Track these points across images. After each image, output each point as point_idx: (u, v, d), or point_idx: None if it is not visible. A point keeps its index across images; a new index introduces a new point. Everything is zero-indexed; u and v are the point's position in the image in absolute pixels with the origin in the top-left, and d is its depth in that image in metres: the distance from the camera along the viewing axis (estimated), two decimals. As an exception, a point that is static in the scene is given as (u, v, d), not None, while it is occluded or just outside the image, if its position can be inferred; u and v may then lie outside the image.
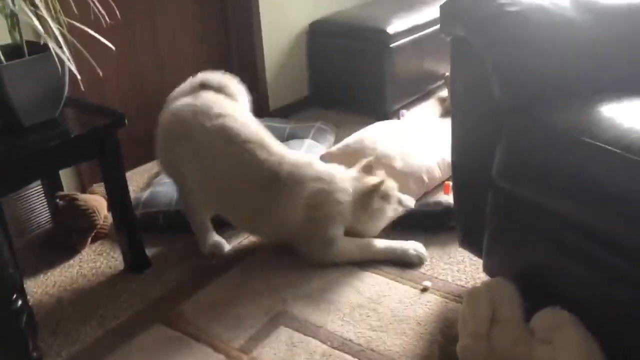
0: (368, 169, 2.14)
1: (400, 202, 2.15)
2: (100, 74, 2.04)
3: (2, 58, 1.71)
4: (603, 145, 1.31)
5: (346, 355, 1.64)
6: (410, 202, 2.19)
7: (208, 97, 2.08)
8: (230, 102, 2.13)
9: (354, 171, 2.12)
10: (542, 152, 1.44)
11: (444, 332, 1.70)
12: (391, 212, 2.12)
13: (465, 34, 1.61)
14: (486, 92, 1.58)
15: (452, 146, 1.81)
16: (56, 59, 1.70)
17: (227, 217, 2.13)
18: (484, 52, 1.56)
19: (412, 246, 2.04)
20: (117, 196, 1.95)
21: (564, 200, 1.41)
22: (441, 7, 1.67)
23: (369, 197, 2.03)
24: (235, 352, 1.66)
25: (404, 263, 2.01)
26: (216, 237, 2.14)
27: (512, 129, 1.51)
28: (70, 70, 1.77)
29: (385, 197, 2.08)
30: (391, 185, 2.13)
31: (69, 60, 1.73)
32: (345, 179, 2.05)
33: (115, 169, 1.90)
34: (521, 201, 1.52)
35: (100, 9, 1.80)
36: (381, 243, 2.05)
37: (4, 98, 1.70)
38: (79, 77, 1.75)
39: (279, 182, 1.95)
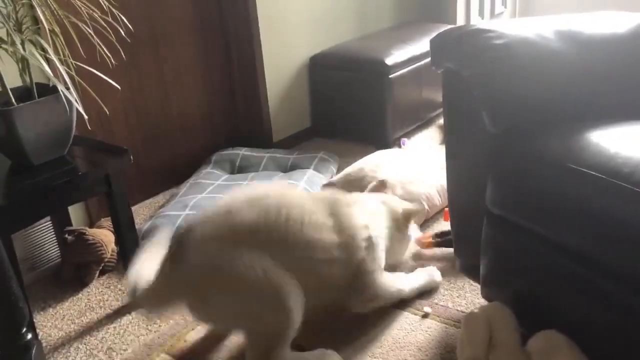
0: (380, 189, 2.14)
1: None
2: (107, 112, 2.13)
3: (14, 100, 1.80)
4: (588, 171, 1.35)
5: (348, 383, 1.67)
6: (416, 233, 2.21)
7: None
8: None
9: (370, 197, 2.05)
10: (531, 179, 1.49)
11: (444, 357, 1.72)
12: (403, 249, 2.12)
13: (454, 66, 1.68)
14: (478, 122, 1.63)
15: (447, 174, 1.86)
16: (64, 100, 1.78)
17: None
18: (472, 84, 1.62)
19: (433, 272, 2.07)
20: (124, 230, 2.00)
21: (554, 226, 1.45)
22: (431, 41, 1.74)
23: (406, 222, 2.02)
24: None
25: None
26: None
27: (501, 157, 1.56)
28: (77, 109, 1.85)
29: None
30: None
31: (76, 101, 1.81)
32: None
33: (121, 204, 1.96)
34: (514, 227, 1.56)
35: (106, 51, 1.88)
36: (411, 278, 2.01)
37: (15, 139, 1.78)
38: (86, 117, 1.82)
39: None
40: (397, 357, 1.75)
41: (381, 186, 2.15)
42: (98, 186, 1.92)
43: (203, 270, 1.58)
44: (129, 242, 2.03)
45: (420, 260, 2.23)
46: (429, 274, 2.06)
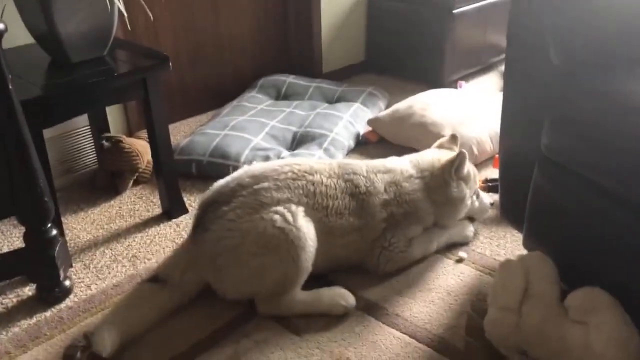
0: (450, 145, 1.92)
1: (477, 196, 1.91)
2: (151, 17, 2.05)
3: (54, -8, 1.74)
4: (665, 115, 1.19)
5: (369, 317, 1.60)
6: (487, 201, 1.95)
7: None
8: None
9: (433, 152, 1.88)
10: (597, 122, 1.33)
11: (474, 304, 1.63)
12: (469, 201, 1.86)
13: (526, -11, 1.50)
14: (543, 56, 1.47)
15: (501, 114, 1.71)
16: (106, -3, 1.71)
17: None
18: (541, 10, 1.45)
19: (465, 228, 1.90)
20: (158, 140, 1.95)
21: (615, 175, 1.30)
22: (501, -40, 1.56)
23: (446, 173, 1.78)
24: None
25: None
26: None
27: (565, 95, 1.40)
28: (121, 12, 1.78)
29: (466, 179, 1.82)
30: (473, 170, 1.87)
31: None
32: (421, 164, 1.81)
33: (157, 112, 1.90)
34: (568, 174, 1.42)
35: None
36: (441, 233, 1.85)
37: (54, 30, 1.72)
38: (125, 14, 1.75)
39: (360, 190, 1.70)
40: (424, 298, 1.66)
41: (452, 142, 1.93)
42: (134, 90, 1.86)
43: (218, 241, 1.54)
44: (163, 154, 1.98)
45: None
46: (461, 228, 1.90)
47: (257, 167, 1.68)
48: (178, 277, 1.58)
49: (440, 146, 1.93)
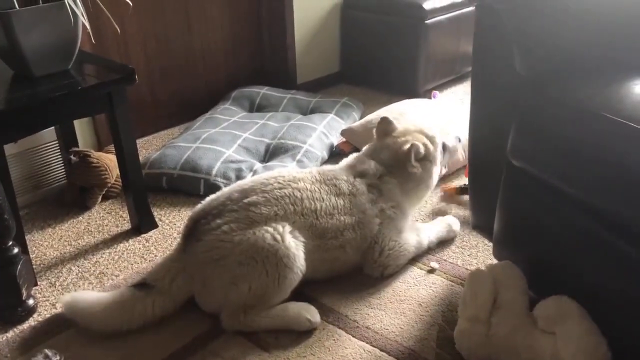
0: (386, 129, 1.89)
1: (444, 148, 1.95)
2: (118, 30, 2.03)
3: (16, 4, 1.70)
4: (625, 122, 1.19)
5: (339, 331, 1.57)
6: (454, 141, 2.02)
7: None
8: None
9: (375, 144, 1.88)
10: (559, 128, 1.33)
11: (445, 315, 1.61)
12: (438, 171, 1.92)
13: (492, 0, 1.51)
14: (507, 63, 1.48)
15: (469, 120, 1.71)
16: (69, 10, 1.68)
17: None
18: (506, 20, 1.45)
19: (451, 221, 1.96)
20: (125, 154, 1.92)
21: (580, 182, 1.30)
22: (466, -30, 1.56)
23: (409, 166, 1.78)
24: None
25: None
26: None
27: (529, 103, 1.40)
28: (90, 25, 1.75)
29: (429, 158, 1.85)
30: (431, 143, 1.87)
31: (82, 14, 1.71)
32: (385, 160, 1.82)
33: (124, 126, 1.87)
34: (534, 182, 1.41)
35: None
36: (429, 228, 1.90)
37: (14, 44, 1.69)
38: (89, 28, 1.73)
39: (344, 192, 1.72)
40: (395, 309, 1.65)
41: (385, 124, 1.90)
42: (100, 104, 1.82)
43: (209, 251, 1.57)
44: (131, 169, 1.95)
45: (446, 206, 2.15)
46: (448, 222, 1.95)
47: (246, 181, 1.73)
48: (167, 284, 1.58)
49: (384, 134, 1.89)
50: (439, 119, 2.51)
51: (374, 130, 1.93)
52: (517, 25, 1.44)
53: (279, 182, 1.67)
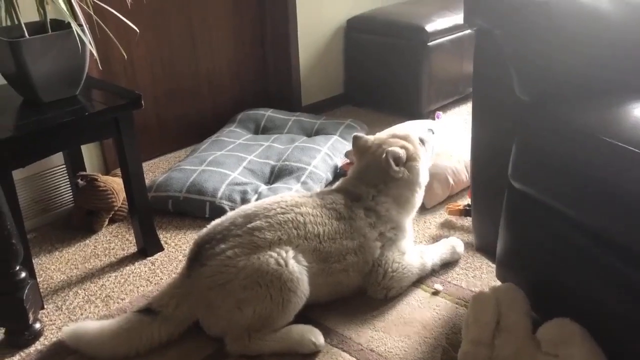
0: (362, 147, 1.89)
1: (422, 142, 1.92)
2: (125, 56, 2.07)
3: (26, 33, 1.75)
4: (622, 145, 1.20)
5: (344, 354, 1.58)
6: (427, 134, 1.98)
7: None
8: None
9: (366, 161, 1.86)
10: (558, 151, 1.34)
11: (449, 338, 1.61)
12: (426, 167, 1.90)
13: (487, 24, 1.54)
14: (506, 86, 1.50)
15: (471, 143, 1.73)
16: (77, 38, 1.72)
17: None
18: (504, 44, 1.47)
19: (455, 243, 1.96)
20: (132, 178, 1.95)
21: (579, 204, 1.31)
22: (464, -5, 1.59)
23: (393, 173, 1.77)
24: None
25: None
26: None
27: (528, 125, 1.42)
28: (97, 52, 1.79)
29: (412, 159, 1.83)
30: (410, 142, 1.86)
31: (90, 42, 1.74)
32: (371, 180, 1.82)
33: (130, 150, 1.90)
34: (535, 204, 1.43)
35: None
36: (433, 250, 1.91)
37: (24, 72, 1.72)
38: (95, 56, 1.76)
39: (344, 216, 1.74)
40: (399, 332, 1.65)
41: (357, 142, 1.90)
42: (107, 129, 1.86)
43: (213, 275, 1.58)
44: (137, 192, 1.97)
45: (449, 229, 2.15)
46: (452, 244, 1.95)
47: (249, 206, 1.74)
48: (172, 309, 1.59)
49: (362, 152, 1.88)
50: (443, 141, 2.53)
51: (351, 153, 1.92)
52: (515, 49, 1.46)
53: (281, 207, 1.69)
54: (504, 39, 1.48)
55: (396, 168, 1.79)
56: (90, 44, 1.77)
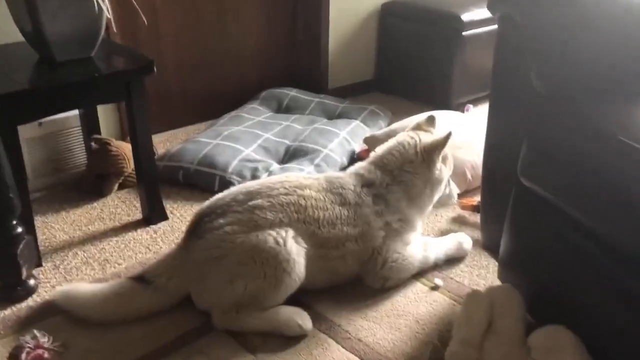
0: (427, 127, 1.85)
1: (449, 182, 1.88)
2: (145, 21, 2.05)
3: (43, -8, 1.74)
4: (637, 145, 1.11)
5: (330, 340, 1.53)
6: (455, 191, 1.94)
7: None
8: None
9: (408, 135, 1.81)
10: (572, 149, 1.27)
11: (441, 335, 1.54)
12: (444, 185, 1.84)
13: (510, 11, 1.45)
14: (525, 79, 1.41)
15: (485, 138, 1.65)
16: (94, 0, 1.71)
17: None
18: (525, 32, 1.39)
19: (463, 239, 1.89)
20: (140, 145, 1.93)
21: (588, 207, 1.23)
22: (489, -22, 1.51)
23: (435, 154, 1.73)
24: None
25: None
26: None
27: (543, 120, 1.34)
28: (122, 18, 1.77)
29: (445, 161, 1.80)
30: (450, 153, 1.83)
31: (107, 6, 1.73)
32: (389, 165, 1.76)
33: (140, 116, 1.88)
34: (542, 202, 1.35)
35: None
36: (439, 244, 1.85)
37: (39, 29, 1.72)
38: (111, 17, 1.75)
39: (349, 202, 1.69)
40: (390, 324, 1.59)
41: (429, 123, 1.86)
42: (117, 93, 1.85)
43: (209, 249, 1.56)
44: (144, 159, 1.96)
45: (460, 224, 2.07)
46: (459, 240, 1.88)
47: (252, 183, 1.71)
48: (165, 280, 1.58)
49: (418, 127, 1.86)
50: (467, 134, 2.44)
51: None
52: (536, 38, 1.38)
53: (285, 188, 1.64)
54: (525, 27, 1.39)
55: (439, 155, 1.74)
56: (108, 6, 1.76)
